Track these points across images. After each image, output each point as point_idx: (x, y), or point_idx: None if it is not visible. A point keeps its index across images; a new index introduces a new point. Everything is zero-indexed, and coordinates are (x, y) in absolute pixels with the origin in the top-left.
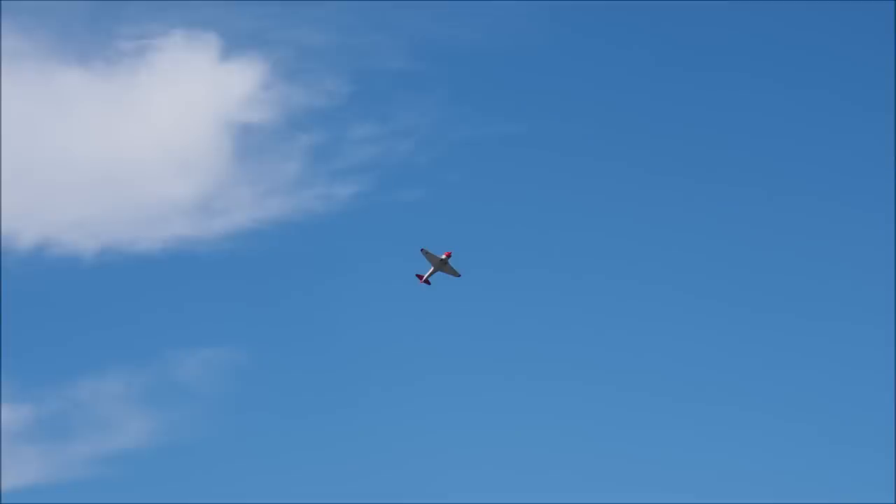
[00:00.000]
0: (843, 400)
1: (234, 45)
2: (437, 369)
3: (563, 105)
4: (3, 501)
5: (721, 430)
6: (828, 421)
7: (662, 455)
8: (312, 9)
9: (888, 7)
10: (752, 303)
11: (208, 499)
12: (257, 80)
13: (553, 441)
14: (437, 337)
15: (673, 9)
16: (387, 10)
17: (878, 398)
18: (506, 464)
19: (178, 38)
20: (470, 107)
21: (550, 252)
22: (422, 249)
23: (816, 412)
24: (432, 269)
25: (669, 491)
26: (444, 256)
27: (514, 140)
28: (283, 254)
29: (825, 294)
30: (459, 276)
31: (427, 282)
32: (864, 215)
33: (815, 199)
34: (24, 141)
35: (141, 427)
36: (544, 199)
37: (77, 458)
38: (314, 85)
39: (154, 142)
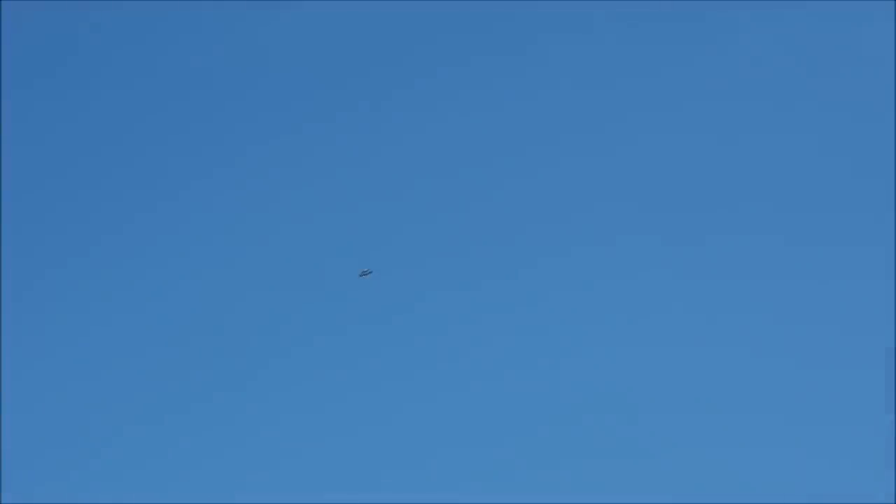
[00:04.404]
0: (843, 400)
1: None
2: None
3: None
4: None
5: (720, 429)
6: (828, 421)
7: (661, 454)
8: None
9: (888, 7)
10: (751, 304)
11: None
12: None
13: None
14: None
15: (671, 8)
16: None
17: (877, 398)
18: (503, 463)
19: None
20: None
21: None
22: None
23: (816, 412)
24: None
25: (669, 491)
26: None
27: None
28: None
29: (824, 294)
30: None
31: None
32: (864, 215)
33: (813, 200)
34: None
35: None
36: None
37: None
38: None
39: None
